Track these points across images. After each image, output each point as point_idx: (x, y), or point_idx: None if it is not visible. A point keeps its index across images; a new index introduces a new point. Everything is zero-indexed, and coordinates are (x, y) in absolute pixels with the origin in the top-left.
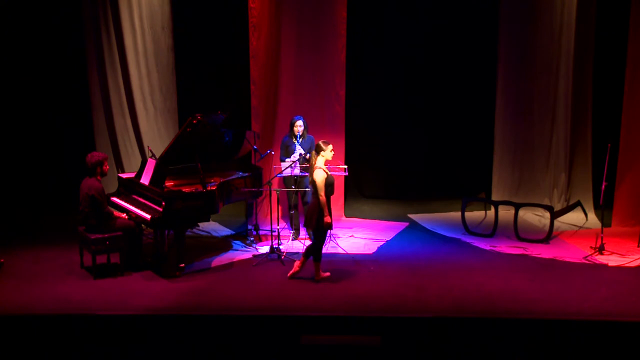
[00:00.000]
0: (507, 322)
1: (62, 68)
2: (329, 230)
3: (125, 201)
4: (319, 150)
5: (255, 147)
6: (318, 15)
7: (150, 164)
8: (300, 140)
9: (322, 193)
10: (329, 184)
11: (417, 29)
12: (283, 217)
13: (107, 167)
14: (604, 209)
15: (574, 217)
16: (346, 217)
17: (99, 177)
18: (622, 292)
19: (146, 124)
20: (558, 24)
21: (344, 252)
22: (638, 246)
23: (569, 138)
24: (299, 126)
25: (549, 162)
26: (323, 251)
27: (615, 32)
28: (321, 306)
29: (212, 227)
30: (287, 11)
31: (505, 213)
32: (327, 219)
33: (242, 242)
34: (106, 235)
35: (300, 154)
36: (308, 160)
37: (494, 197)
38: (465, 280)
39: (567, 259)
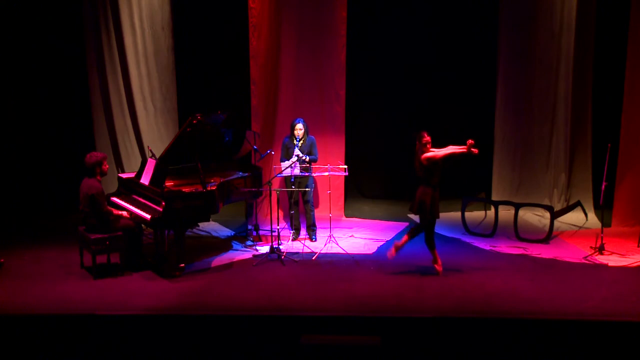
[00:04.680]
0: (507, 322)
1: (62, 68)
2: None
3: (125, 201)
4: (419, 138)
5: (255, 147)
6: (318, 15)
7: (150, 164)
8: (299, 143)
9: (439, 153)
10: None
11: (417, 29)
12: (283, 217)
13: (107, 166)
14: (604, 209)
15: (574, 217)
16: (346, 217)
17: (98, 177)
18: (622, 292)
19: (146, 124)
20: (558, 24)
21: (344, 252)
22: (638, 246)
23: (569, 138)
24: (299, 129)
25: (549, 162)
26: (324, 251)
27: (615, 32)
28: (321, 306)
29: (212, 227)
30: (287, 11)
31: (505, 213)
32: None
33: (241, 242)
34: (106, 235)
35: (298, 156)
36: (307, 162)
37: (494, 197)
38: (465, 280)
39: (567, 259)
